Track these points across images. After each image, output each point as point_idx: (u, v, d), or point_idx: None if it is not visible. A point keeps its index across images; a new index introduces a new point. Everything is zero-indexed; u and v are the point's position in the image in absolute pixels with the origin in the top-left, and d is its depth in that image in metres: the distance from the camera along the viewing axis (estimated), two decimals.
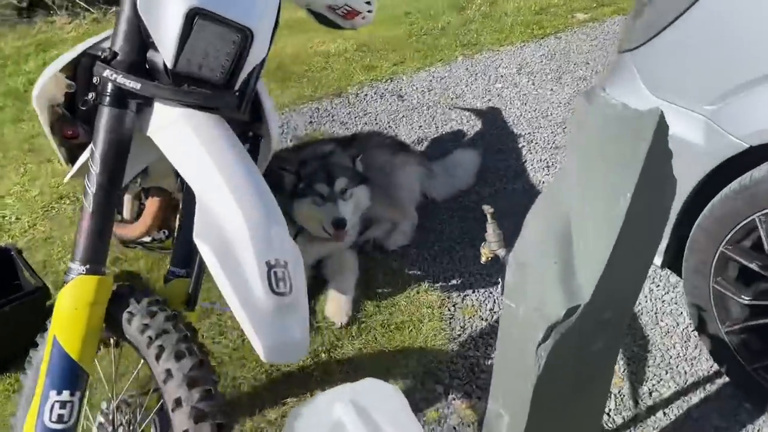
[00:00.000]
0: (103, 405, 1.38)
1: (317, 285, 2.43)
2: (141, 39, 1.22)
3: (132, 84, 1.20)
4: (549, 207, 1.10)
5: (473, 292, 2.43)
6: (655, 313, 2.33)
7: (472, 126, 3.70)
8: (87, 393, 1.28)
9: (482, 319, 2.31)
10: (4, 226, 2.88)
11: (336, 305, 2.28)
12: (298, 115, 3.82)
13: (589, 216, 1.03)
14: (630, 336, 2.23)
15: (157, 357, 1.20)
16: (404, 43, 4.95)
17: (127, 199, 2.10)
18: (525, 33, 5.14)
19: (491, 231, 1.80)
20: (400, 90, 4.16)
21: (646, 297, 2.40)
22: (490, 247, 1.81)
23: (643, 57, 1.99)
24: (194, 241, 1.10)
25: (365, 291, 2.40)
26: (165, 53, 1.21)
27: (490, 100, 4.03)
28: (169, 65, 1.21)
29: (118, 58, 1.22)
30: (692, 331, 2.22)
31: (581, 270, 1.04)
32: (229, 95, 1.31)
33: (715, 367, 2.08)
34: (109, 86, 1.22)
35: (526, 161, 3.32)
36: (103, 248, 1.25)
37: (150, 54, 1.23)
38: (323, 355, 2.14)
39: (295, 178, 2.29)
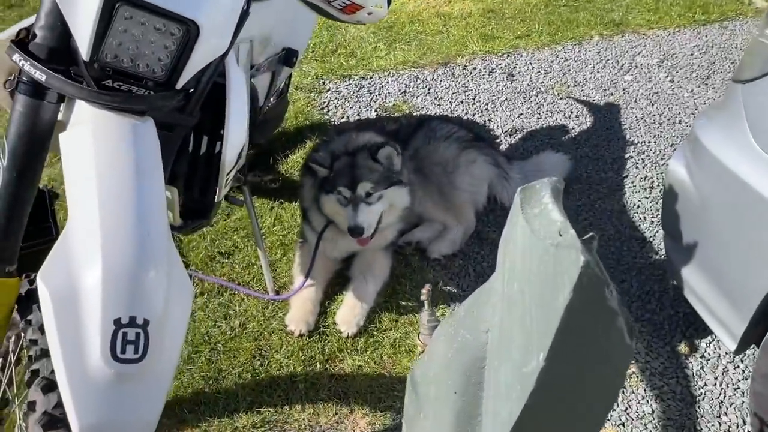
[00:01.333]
0: None
1: (339, 282, 2.25)
2: (64, 23, 1.06)
3: (38, 74, 1.05)
4: (466, 325, 0.82)
5: None
6: (720, 402, 1.89)
7: (579, 123, 3.24)
8: None
9: None
10: None
11: (349, 312, 2.09)
12: (395, 82, 3.57)
13: (505, 359, 0.73)
14: (677, 426, 1.83)
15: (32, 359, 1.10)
16: (537, 12, 4.45)
17: None
18: (684, 16, 4.42)
19: (425, 319, 1.53)
20: (514, 68, 3.75)
21: (716, 379, 1.96)
22: (423, 340, 1.54)
23: (757, 92, 1.52)
24: (36, 281, 0.95)
25: (388, 300, 2.19)
26: (80, 43, 1.04)
27: (612, 94, 3.51)
28: (84, 57, 1.04)
29: (36, 41, 1.08)
30: None
31: (486, 424, 0.76)
32: (165, 96, 1.12)
33: None
34: (23, 73, 1.08)
35: (627, 176, 2.85)
36: (9, 247, 1.15)
37: (73, 41, 1.07)
38: (318, 365, 1.97)
39: (328, 171, 2.09)
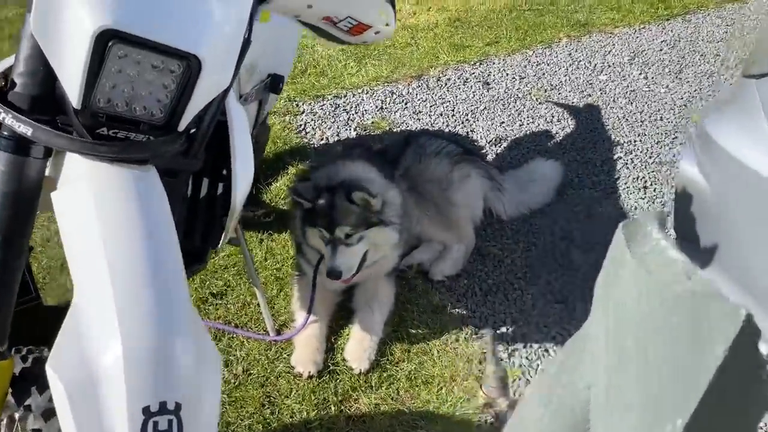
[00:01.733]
0: None
1: (343, 315, 2.13)
2: (47, 67, 0.93)
3: (22, 128, 0.92)
4: (561, 382, 0.72)
5: (524, 346, 2.04)
6: None
7: (562, 127, 3.20)
8: None
9: (529, 383, 1.92)
10: None
11: (358, 347, 1.97)
12: (370, 99, 3.47)
13: (618, 424, 0.64)
14: None
15: None
16: (503, 18, 4.43)
17: None
18: (647, 12, 4.46)
19: (491, 370, 1.43)
20: (488, 76, 3.70)
21: None
22: (489, 393, 1.45)
23: None
24: (46, 370, 0.82)
25: (396, 330, 2.08)
26: (68, 89, 0.91)
27: (590, 95, 3.48)
28: (74, 104, 0.91)
29: (17, 89, 0.95)
30: None
31: None
32: (167, 140, 1.00)
33: None
34: (4, 127, 0.95)
35: (619, 178, 2.81)
36: None
37: (59, 86, 0.94)
38: (333, 407, 1.85)
39: (311, 204, 1.96)
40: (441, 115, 3.33)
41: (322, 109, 3.37)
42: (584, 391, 0.70)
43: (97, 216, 0.89)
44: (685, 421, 0.59)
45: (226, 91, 1.08)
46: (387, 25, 1.37)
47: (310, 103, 3.41)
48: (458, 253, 2.33)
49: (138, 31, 0.90)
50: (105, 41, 0.89)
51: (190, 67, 0.96)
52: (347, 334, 2.06)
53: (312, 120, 3.27)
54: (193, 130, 1.09)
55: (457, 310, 2.17)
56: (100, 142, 0.95)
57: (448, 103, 3.43)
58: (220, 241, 1.31)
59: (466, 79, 3.67)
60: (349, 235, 1.91)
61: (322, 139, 3.13)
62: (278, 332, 2.08)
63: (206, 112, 1.07)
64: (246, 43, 1.07)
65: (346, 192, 1.91)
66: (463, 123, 3.26)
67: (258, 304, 2.10)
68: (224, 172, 1.25)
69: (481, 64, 3.84)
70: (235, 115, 1.19)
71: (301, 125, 3.23)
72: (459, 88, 3.58)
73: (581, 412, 0.70)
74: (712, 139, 1.65)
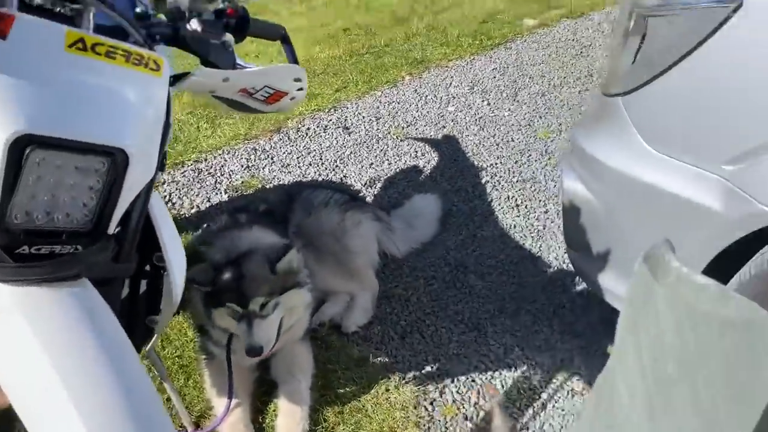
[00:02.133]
0: None
1: (265, 390, 2.01)
2: None
3: None
4: (599, 425, 0.73)
5: (452, 381, 2.05)
6: None
7: (428, 160, 3.33)
8: None
9: (466, 419, 1.93)
10: None
11: (290, 420, 1.86)
12: (233, 159, 3.37)
13: None
14: None
15: None
16: (345, 63, 4.55)
17: None
18: (473, 45, 4.82)
19: (499, 423, 1.42)
20: (346, 120, 3.76)
21: None
22: None
23: (639, 103, 1.65)
24: None
25: (323, 393, 1.99)
26: None
27: (444, 126, 3.67)
28: None
29: None
30: None
31: None
32: (97, 249, 0.88)
33: None
34: None
35: (492, 200, 2.97)
36: None
37: None
38: None
39: (211, 287, 1.82)
40: (310, 164, 3.31)
41: (183, 176, 3.21)
42: (627, 417, 0.71)
43: (41, 346, 0.76)
44: None
45: (151, 182, 0.98)
46: (300, 89, 1.34)
47: (170, 173, 3.23)
48: (366, 301, 2.30)
49: (56, 132, 0.79)
50: (20, 148, 0.77)
51: (116, 162, 0.86)
52: (274, 410, 1.93)
53: (176, 189, 3.09)
54: (118, 229, 0.97)
55: (378, 359, 2.13)
56: (24, 264, 0.81)
57: (314, 152, 3.42)
58: (150, 343, 1.17)
59: (325, 126, 3.70)
60: (264, 304, 1.80)
61: (192, 208, 2.97)
62: (197, 425, 1.90)
63: (133, 207, 0.96)
64: (167, 127, 0.98)
65: (269, 260, 1.81)
66: (333, 170, 3.27)
67: (168, 398, 1.91)
68: (147, 267, 1.12)
69: (335, 110, 3.90)
70: (155, 203, 1.08)
71: (165, 196, 3.04)
72: (320, 136, 3.59)
73: None
74: (590, 155, 1.80)
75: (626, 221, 1.76)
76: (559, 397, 1.99)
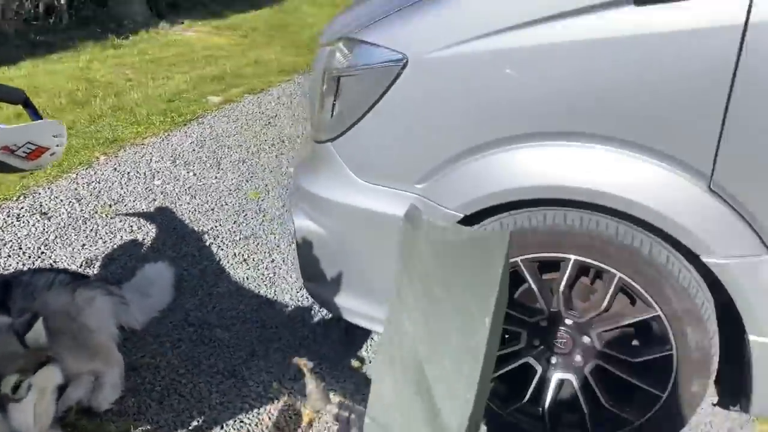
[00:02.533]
0: None
1: None
2: None
3: None
4: (394, 353, 0.96)
5: (222, 428, 2.10)
6: None
7: (146, 233, 3.30)
8: None
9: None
10: None
11: None
12: None
13: (445, 353, 0.92)
14: None
15: None
16: None
17: None
18: (165, 122, 4.90)
19: (313, 387, 1.56)
20: (41, 206, 3.50)
21: None
22: (313, 406, 1.57)
23: (346, 145, 2.01)
24: None
25: None
26: None
27: (155, 199, 3.68)
28: None
29: None
30: None
31: (450, 414, 0.92)
32: None
33: None
34: None
35: (220, 259, 3.09)
36: None
37: None
38: None
39: None
40: (9, 256, 3.00)
41: None
42: (411, 346, 0.95)
43: None
44: (490, 319, 0.91)
45: None
46: (59, 145, 1.32)
47: None
48: (114, 377, 2.21)
49: None
50: None
51: None
52: None
53: None
54: None
55: (140, 428, 2.07)
56: None
57: (10, 243, 3.11)
58: None
59: (18, 215, 3.39)
60: (17, 386, 1.63)
61: None
62: None
63: None
64: None
65: (18, 331, 1.64)
66: (38, 257, 3.03)
67: None
68: None
69: (25, 197, 3.60)
70: None
71: None
72: (14, 226, 3.28)
73: (417, 368, 0.94)
74: (314, 194, 2.11)
75: (354, 244, 2.10)
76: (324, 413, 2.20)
